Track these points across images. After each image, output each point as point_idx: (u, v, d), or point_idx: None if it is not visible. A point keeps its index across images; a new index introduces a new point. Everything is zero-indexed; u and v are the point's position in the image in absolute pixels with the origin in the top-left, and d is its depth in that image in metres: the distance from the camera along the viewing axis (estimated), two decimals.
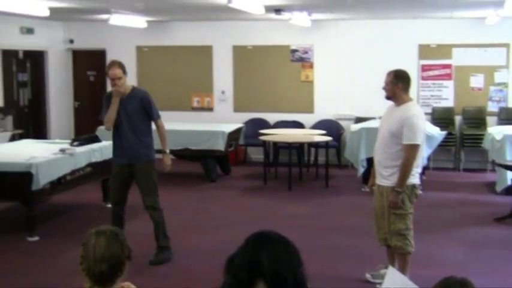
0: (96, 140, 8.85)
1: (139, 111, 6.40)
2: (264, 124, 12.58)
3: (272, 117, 12.80)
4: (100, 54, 13.52)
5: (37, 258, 6.67)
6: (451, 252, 6.88)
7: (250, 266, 2.04)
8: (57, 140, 9.97)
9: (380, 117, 6.43)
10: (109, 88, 13.80)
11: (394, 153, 5.43)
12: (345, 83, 12.48)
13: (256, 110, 12.88)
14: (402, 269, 5.63)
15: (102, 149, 8.57)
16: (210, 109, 13.16)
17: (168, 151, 6.66)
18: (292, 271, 2.06)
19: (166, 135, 6.64)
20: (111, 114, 6.33)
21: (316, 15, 11.31)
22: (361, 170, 9.75)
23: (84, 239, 2.70)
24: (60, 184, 7.69)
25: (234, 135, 11.22)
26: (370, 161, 9.06)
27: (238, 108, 13.05)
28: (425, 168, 10.07)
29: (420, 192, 5.68)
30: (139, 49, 13.37)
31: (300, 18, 10.95)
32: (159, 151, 6.63)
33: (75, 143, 8.45)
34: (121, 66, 6.31)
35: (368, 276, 5.91)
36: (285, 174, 10.49)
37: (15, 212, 8.08)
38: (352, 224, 8.05)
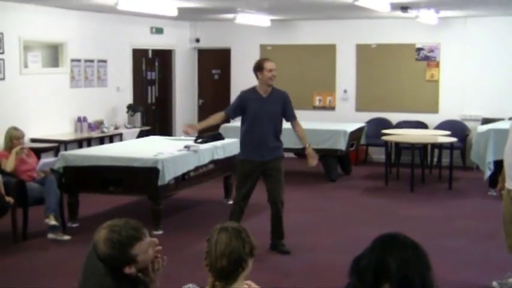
0: (219, 137, 9.03)
1: (278, 110, 6.65)
2: (386, 124, 12.38)
3: (395, 117, 12.57)
4: (225, 53, 13.79)
5: (162, 251, 6.88)
6: None
7: (376, 268, 2.00)
8: (182, 137, 10.24)
9: (510, 118, 6.17)
10: (234, 86, 14.06)
11: None
12: (472, 83, 12.05)
13: (379, 110, 12.69)
14: None
15: (225, 146, 8.75)
16: (331, 108, 13.10)
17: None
18: (421, 275, 2.01)
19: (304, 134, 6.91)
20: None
21: (444, 13, 10.99)
22: (488, 173, 9.37)
23: (209, 235, 2.76)
24: (184, 180, 7.91)
25: (355, 135, 11.11)
26: (497, 164, 8.70)
27: (360, 107, 12.91)
28: None
29: None
30: (263, 47, 13.51)
31: (427, 16, 10.67)
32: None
33: (199, 140, 8.66)
34: None
35: (495, 284, 5.67)
36: (406, 175, 10.27)
37: (142, 205, 8.38)
38: (477, 229, 7.77)
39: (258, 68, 6.59)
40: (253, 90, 6.68)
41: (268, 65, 6.54)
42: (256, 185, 6.71)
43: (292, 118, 6.77)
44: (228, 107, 6.87)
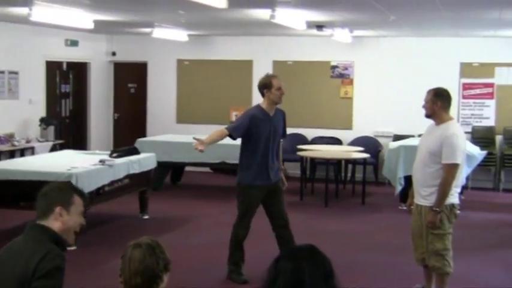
0: (135, 152, 8.95)
1: (281, 129, 6.37)
2: (301, 139, 12.56)
3: (310, 133, 12.77)
4: (141, 67, 13.70)
5: (75, 268, 6.71)
6: (491, 274, 6.77)
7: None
8: (97, 151, 10.09)
9: (419, 135, 6.39)
10: (150, 100, 13.93)
11: (434, 173, 5.37)
12: (385, 100, 12.41)
13: (294, 125, 12.82)
14: None
15: (141, 160, 8.68)
16: None
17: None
18: (329, 284, 2.03)
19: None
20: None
21: (358, 32, 11.29)
22: (399, 188, 9.66)
23: (124, 252, 2.74)
24: (98, 195, 7.78)
25: None
26: (407, 179, 8.98)
27: None
28: (464, 188, 9.95)
29: (459, 212, 5.61)
30: (180, 62, 13.49)
31: (341, 35, 10.94)
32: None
33: (115, 155, 8.55)
34: None
35: None
36: (321, 190, 10.45)
37: None
38: (388, 242, 7.98)
39: (266, 85, 6.23)
40: (260, 109, 6.26)
41: (276, 82, 6.20)
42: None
43: (283, 137, 6.53)
44: (233, 126, 6.17)
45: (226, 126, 6.24)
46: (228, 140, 11.73)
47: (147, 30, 11.22)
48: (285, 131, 6.48)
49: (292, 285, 1.99)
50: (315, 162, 11.78)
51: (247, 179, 6.17)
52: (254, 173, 6.13)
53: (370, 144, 12.06)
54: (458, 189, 5.59)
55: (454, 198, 5.44)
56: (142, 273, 2.66)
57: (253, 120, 6.10)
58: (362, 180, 10.63)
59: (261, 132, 6.11)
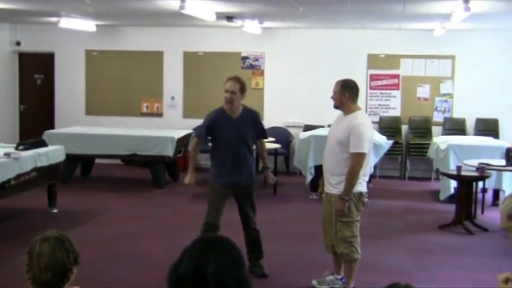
0: (42, 144, 8.72)
1: (250, 131, 6.24)
2: None
3: None
4: (48, 58, 13.34)
5: None
6: (396, 259, 7.00)
7: (194, 276, 2.00)
8: (1, 144, 9.76)
9: (329, 126, 6.51)
10: (57, 91, 13.60)
11: (342, 162, 5.50)
12: (295, 91, 12.58)
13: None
14: (348, 276, 5.72)
15: (49, 153, 8.47)
16: (159, 115, 13.09)
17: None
18: (236, 278, 2.04)
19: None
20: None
21: (268, 23, 11.38)
22: (309, 178, 9.84)
23: (29, 247, 2.67)
24: (4, 189, 7.54)
25: (183, 141, 11.19)
26: (318, 169, 9.15)
27: (187, 114, 13.01)
28: (371, 177, 10.22)
29: (367, 200, 5.77)
30: (88, 53, 13.22)
31: (251, 26, 11.01)
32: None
33: (21, 147, 8.31)
34: (240, 82, 6.25)
35: (314, 282, 5.96)
36: None
37: None
38: (299, 231, 8.11)
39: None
40: (221, 111, 6.30)
41: (225, 85, 6.21)
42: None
43: (266, 135, 6.69)
44: (198, 133, 6.47)
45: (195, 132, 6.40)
46: (138, 132, 11.67)
47: (54, 19, 10.92)
48: (262, 130, 6.44)
49: (195, 267, 2.00)
50: None
51: (211, 177, 6.30)
52: (216, 172, 6.21)
53: (281, 134, 12.20)
54: (366, 178, 5.74)
55: (362, 186, 5.59)
56: (53, 268, 2.60)
57: (212, 124, 6.13)
58: (273, 171, 10.73)
59: (222, 134, 6.08)
